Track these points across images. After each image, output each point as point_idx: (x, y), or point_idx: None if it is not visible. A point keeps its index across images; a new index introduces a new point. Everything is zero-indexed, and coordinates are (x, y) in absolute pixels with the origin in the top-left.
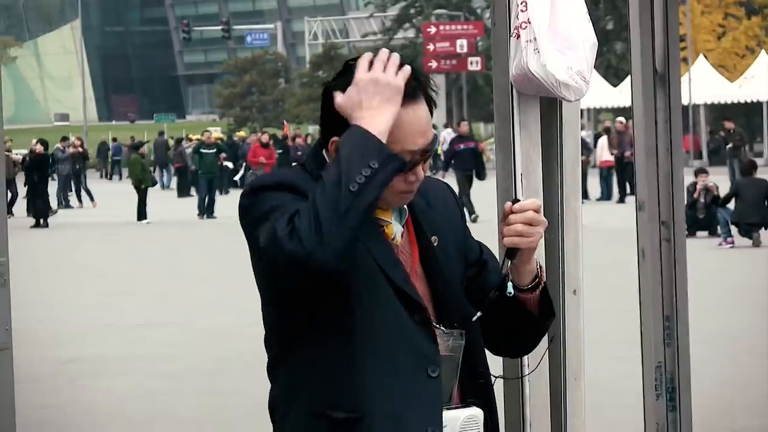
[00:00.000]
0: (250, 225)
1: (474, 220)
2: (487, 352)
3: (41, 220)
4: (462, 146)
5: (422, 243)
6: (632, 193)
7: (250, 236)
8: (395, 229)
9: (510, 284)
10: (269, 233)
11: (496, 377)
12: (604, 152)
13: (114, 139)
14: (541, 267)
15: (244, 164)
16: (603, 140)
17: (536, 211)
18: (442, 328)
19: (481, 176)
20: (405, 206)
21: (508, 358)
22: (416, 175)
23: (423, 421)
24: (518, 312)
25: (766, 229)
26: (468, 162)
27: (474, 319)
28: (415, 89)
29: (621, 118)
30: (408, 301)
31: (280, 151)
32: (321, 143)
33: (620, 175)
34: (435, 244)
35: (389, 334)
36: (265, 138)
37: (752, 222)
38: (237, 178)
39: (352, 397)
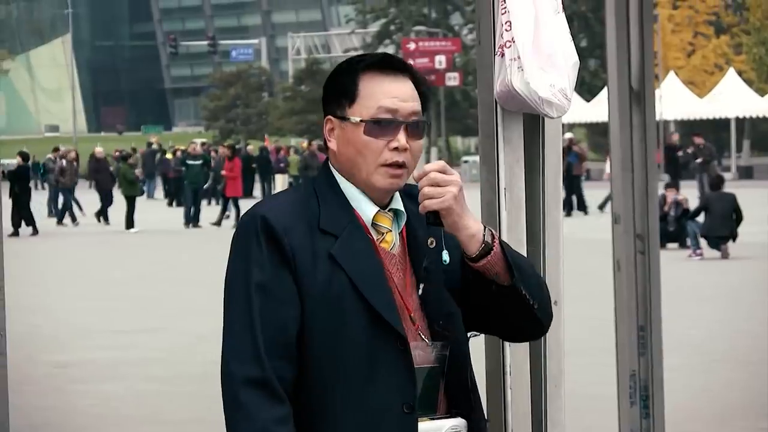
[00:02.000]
0: (227, 272)
1: None
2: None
3: (31, 228)
4: None
5: (414, 249)
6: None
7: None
8: (394, 237)
9: (445, 252)
10: (223, 347)
11: (486, 420)
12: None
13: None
14: (494, 235)
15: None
16: None
17: (441, 171)
18: (426, 339)
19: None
20: (403, 212)
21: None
22: (398, 143)
23: None
24: (485, 286)
25: (733, 241)
26: None
27: (470, 336)
28: (402, 68)
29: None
30: (387, 327)
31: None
32: (328, 158)
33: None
34: (432, 246)
35: (361, 370)
36: (227, 152)
37: (720, 235)
38: (205, 187)
39: None
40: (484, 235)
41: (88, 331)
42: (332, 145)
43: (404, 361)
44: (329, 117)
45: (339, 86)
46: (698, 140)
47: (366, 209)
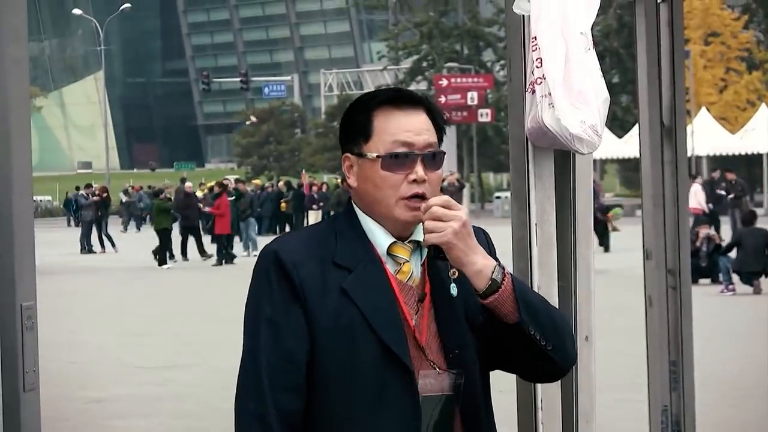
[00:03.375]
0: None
1: None
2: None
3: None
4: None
5: (435, 280)
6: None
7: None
8: (413, 267)
9: (453, 285)
10: (238, 380)
11: None
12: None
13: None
14: (504, 273)
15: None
16: (695, 187)
17: (444, 206)
18: (438, 368)
19: (606, 246)
20: (423, 245)
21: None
22: (416, 175)
23: None
24: (495, 323)
25: (766, 277)
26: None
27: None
28: (414, 101)
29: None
30: (396, 360)
31: (285, 199)
32: (350, 198)
33: None
34: (454, 276)
35: (369, 403)
36: (218, 189)
37: (753, 270)
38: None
39: None
40: (492, 272)
41: (122, 367)
42: (351, 181)
43: (410, 394)
44: (347, 155)
45: (354, 124)
46: (730, 176)
47: (381, 241)
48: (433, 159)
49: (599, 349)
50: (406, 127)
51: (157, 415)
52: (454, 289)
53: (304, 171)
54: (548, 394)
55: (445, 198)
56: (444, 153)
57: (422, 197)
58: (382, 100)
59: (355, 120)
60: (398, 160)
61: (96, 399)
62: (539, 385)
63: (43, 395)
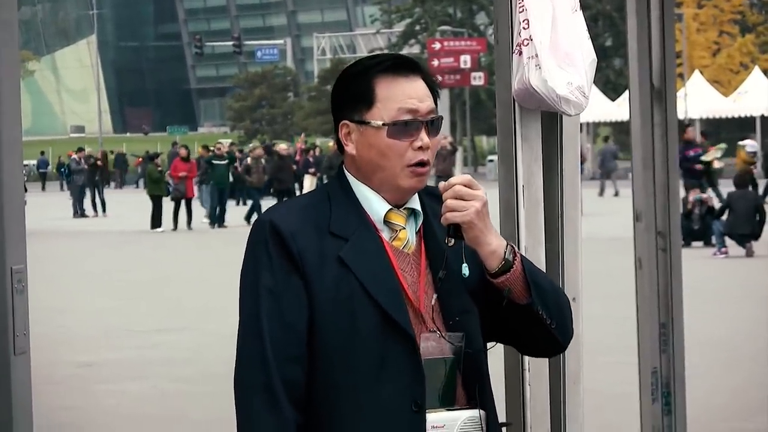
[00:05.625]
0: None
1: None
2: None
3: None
4: (692, 153)
5: (431, 245)
6: None
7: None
8: (408, 235)
9: (465, 266)
10: (239, 352)
11: (503, 424)
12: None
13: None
14: (516, 252)
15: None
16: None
17: (466, 185)
18: (442, 334)
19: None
20: (420, 211)
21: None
22: (422, 141)
23: None
24: (503, 301)
25: (755, 240)
26: (699, 171)
27: (490, 347)
28: (413, 68)
29: None
30: (397, 327)
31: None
32: (342, 164)
33: None
34: (450, 244)
35: (372, 371)
36: (183, 152)
37: (743, 233)
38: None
39: None
40: (505, 252)
41: (113, 331)
42: (350, 149)
43: (413, 360)
44: (345, 122)
45: (354, 91)
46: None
47: (377, 208)
48: (434, 125)
49: (588, 312)
50: (411, 94)
51: (148, 379)
52: (466, 269)
53: (302, 135)
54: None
55: (468, 177)
56: (442, 118)
57: (426, 164)
58: (384, 68)
59: (354, 87)
60: (405, 127)
61: (87, 363)
62: None
63: (34, 359)
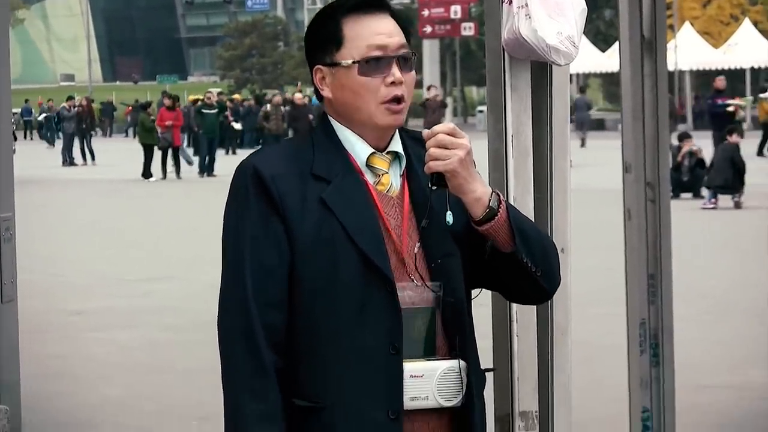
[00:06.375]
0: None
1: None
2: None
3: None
4: (719, 101)
5: (414, 189)
6: None
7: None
8: (392, 179)
9: (449, 214)
10: (221, 297)
11: (485, 370)
12: None
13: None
14: (501, 200)
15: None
16: None
17: (449, 134)
18: (417, 282)
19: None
20: (403, 155)
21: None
22: (394, 77)
23: (383, 404)
24: (487, 249)
25: (734, 192)
26: (725, 120)
27: (475, 296)
28: (379, 5)
29: None
30: (377, 271)
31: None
32: (324, 111)
33: None
34: (434, 189)
35: (353, 315)
36: (168, 102)
37: (717, 185)
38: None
39: (313, 387)
40: (489, 200)
41: (103, 280)
42: (326, 93)
43: (392, 303)
44: (318, 66)
45: (323, 34)
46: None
47: (360, 151)
48: (406, 61)
49: (576, 263)
50: (378, 30)
51: (138, 327)
52: (450, 217)
53: (299, 84)
54: (522, 307)
55: (451, 126)
56: (416, 54)
57: (401, 99)
58: (349, 7)
59: (323, 30)
60: (375, 64)
61: (76, 311)
62: None
63: (23, 307)
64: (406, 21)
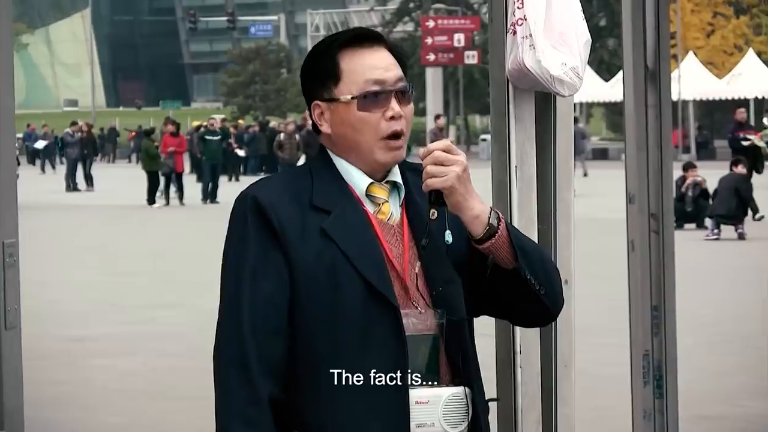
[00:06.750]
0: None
1: (759, 219)
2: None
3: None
4: (741, 134)
5: (414, 218)
6: None
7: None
8: (391, 208)
9: (448, 233)
10: (218, 327)
11: (488, 400)
12: None
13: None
14: (500, 218)
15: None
16: None
17: (445, 151)
18: (420, 308)
19: (759, 170)
20: (401, 184)
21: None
22: (393, 111)
23: (389, 431)
24: (488, 268)
25: (738, 222)
26: (747, 155)
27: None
28: (375, 38)
29: None
30: (380, 298)
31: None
32: (322, 145)
33: None
34: (433, 217)
35: (355, 342)
36: (171, 128)
37: (719, 214)
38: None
39: (315, 416)
40: (489, 217)
41: (103, 306)
42: (325, 128)
43: (396, 331)
44: (316, 102)
45: (320, 70)
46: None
47: (359, 182)
48: (404, 94)
49: (579, 293)
50: (375, 65)
51: (138, 355)
52: (449, 236)
53: (306, 112)
54: (526, 338)
55: (446, 142)
56: (412, 86)
57: (400, 134)
58: (345, 41)
59: (320, 65)
60: (374, 99)
61: (77, 338)
62: (517, 329)
63: (24, 333)
64: (402, 52)
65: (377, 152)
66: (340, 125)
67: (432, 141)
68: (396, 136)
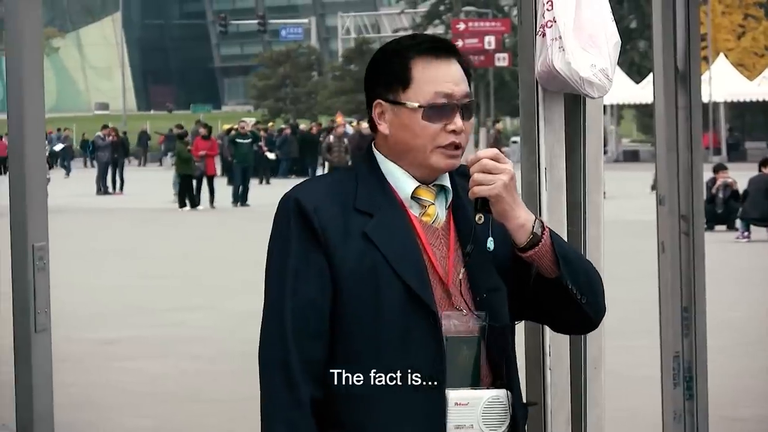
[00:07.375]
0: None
1: None
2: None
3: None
4: None
5: (461, 221)
6: None
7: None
8: (437, 210)
9: (490, 240)
10: (261, 329)
11: (526, 404)
12: None
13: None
14: (544, 226)
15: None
16: None
17: (493, 159)
18: (468, 310)
19: None
20: (449, 188)
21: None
22: (455, 125)
23: None
24: (531, 276)
25: (766, 224)
26: None
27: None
28: (450, 51)
29: None
30: (420, 301)
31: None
32: (373, 140)
33: None
34: (480, 221)
35: (395, 344)
36: (203, 131)
37: (752, 217)
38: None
39: (353, 416)
40: (533, 226)
41: (133, 309)
42: (383, 128)
43: (435, 333)
44: (379, 101)
45: (390, 70)
46: None
47: (404, 185)
48: (469, 109)
49: (609, 294)
50: (447, 78)
51: (167, 358)
52: (491, 243)
53: (339, 113)
54: (556, 340)
55: (494, 151)
56: (476, 102)
57: (459, 147)
58: (422, 49)
59: (391, 66)
60: (439, 110)
61: (107, 341)
62: (547, 332)
63: (54, 336)
64: (470, 67)
65: (433, 158)
66: (400, 129)
67: (489, 146)
68: (455, 146)
